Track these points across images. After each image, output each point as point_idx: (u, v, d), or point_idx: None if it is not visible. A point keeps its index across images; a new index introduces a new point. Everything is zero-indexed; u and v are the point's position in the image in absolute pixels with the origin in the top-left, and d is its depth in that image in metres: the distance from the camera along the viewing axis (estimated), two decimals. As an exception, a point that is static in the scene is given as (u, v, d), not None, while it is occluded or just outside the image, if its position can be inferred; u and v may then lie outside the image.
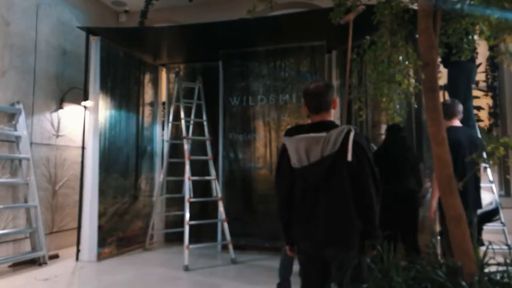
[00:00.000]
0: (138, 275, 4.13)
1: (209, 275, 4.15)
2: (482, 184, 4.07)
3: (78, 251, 4.65)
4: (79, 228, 4.71)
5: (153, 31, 5.60)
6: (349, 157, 1.87)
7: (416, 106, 4.12)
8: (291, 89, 5.39)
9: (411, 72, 2.96)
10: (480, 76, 5.50)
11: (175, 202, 5.99)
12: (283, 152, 2.17)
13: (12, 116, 4.59)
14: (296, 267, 2.62)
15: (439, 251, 3.22)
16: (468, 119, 4.05)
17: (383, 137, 4.30)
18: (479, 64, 5.43)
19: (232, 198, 5.44)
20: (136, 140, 5.67)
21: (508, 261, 2.04)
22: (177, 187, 5.75)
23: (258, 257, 4.91)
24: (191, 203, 4.76)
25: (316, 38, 5.16)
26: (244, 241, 5.23)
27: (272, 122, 5.44)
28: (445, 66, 4.26)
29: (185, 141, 5.04)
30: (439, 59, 3.55)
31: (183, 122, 5.16)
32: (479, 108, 5.42)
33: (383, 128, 4.26)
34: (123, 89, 5.45)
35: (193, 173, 4.92)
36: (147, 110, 6.00)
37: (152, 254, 5.18)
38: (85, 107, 4.89)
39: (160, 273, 4.26)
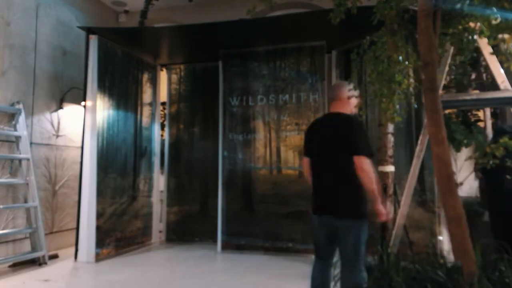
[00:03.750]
0: (137, 275, 4.13)
1: (208, 275, 4.14)
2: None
3: (76, 251, 4.65)
4: (77, 228, 4.70)
5: (152, 31, 5.60)
6: None
7: (416, 106, 4.13)
8: (291, 89, 5.38)
9: (411, 72, 2.97)
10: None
11: (177, 202, 6.02)
12: None
13: (12, 116, 4.59)
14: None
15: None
16: None
17: (389, 136, 4.27)
18: (479, 64, 5.42)
19: (232, 198, 5.43)
20: (134, 140, 5.66)
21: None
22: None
23: (258, 257, 4.89)
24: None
25: (316, 38, 5.16)
26: (244, 241, 5.23)
27: (272, 122, 5.44)
28: None
29: None
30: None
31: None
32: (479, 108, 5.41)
33: (390, 127, 4.25)
34: (121, 89, 5.44)
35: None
36: (146, 110, 5.99)
37: (152, 254, 5.17)
38: (84, 107, 4.88)
39: (159, 273, 4.26)
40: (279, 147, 5.39)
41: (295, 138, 5.30)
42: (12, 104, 4.57)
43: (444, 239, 4.10)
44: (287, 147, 5.36)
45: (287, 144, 5.36)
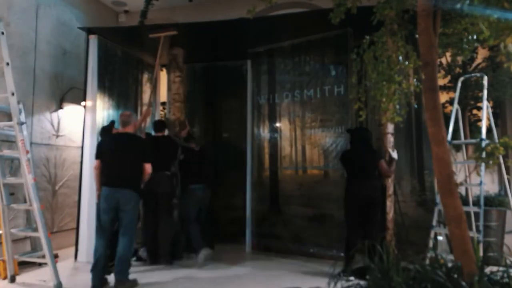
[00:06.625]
0: (138, 275, 4.12)
1: (208, 276, 4.13)
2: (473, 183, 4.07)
3: (76, 251, 4.65)
4: (77, 228, 4.70)
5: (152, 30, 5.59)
6: None
7: (416, 106, 4.14)
8: (315, 83, 5.09)
9: (411, 72, 2.97)
10: (480, 76, 5.50)
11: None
12: None
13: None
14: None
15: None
16: None
17: (389, 136, 4.26)
18: (479, 64, 5.42)
19: (259, 199, 5.37)
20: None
21: (507, 261, 2.04)
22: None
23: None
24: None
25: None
26: (271, 243, 5.10)
27: (298, 120, 5.25)
28: None
29: None
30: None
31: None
32: (479, 108, 5.41)
33: (390, 127, 4.24)
34: (121, 89, 5.44)
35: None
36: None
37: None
38: (84, 107, 4.88)
39: (159, 273, 4.25)
40: (304, 145, 5.23)
41: (320, 135, 5.08)
42: (12, 104, 4.56)
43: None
44: (312, 145, 5.18)
45: (312, 142, 5.17)
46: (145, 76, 6.02)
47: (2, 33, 3.91)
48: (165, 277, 4.09)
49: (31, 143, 4.79)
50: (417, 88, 2.90)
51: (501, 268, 2.01)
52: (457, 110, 4.45)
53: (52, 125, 5.23)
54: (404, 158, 4.78)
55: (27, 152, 3.88)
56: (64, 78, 5.43)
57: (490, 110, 4.54)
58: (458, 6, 2.20)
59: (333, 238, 4.56)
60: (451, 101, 4.90)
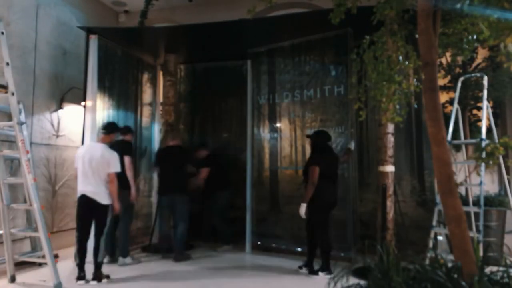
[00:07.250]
0: (137, 276, 4.12)
1: (220, 277, 4.13)
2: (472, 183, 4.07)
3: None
4: (78, 228, 4.69)
5: (152, 31, 5.60)
6: None
7: (416, 106, 4.14)
8: (315, 83, 5.08)
9: (411, 72, 2.97)
10: (480, 76, 5.49)
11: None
12: None
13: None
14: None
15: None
16: None
17: (389, 136, 4.23)
18: (479, 64, 5.42)
19: (259, 199, 5.36)
20: (134, 140, 5.65)
21: (507, 261, 2.04)
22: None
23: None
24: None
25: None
26: (271, 243, 5.12)
27: (298, 120, 5.26)
28: None
29: None
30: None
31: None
32: (479, 108, 5.41)
33: (390, 127, 4.23)
34: (121, 89, 5.43)
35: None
36: (146, 110, 5.99)
37: (152, 255, 5.15)
38: (84, 107, 4.88)
39: (159, 274, 4.25)
40: (304, 145, 5.20)
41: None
42: (12, 104, 4.55)
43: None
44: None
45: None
46: (145, 76, 6.02)
47: (2, 33, 3.87)
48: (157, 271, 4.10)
49: (31, 143, 4.79)
50: (417, 88, 2.90)
51: (501, 268, 2.01)
52: (457, 110, 4.45)
53: (52, 125, 5.23)
54: (404, 158, 4.78)
55: (27, 152, 3.86)
56: (64, 78, 5.43)
57: (490, 110, 4.53)
58: (458, 6, 2.20)
59: (333, 238, 4.51)
60: (451, 101, 4.90)
